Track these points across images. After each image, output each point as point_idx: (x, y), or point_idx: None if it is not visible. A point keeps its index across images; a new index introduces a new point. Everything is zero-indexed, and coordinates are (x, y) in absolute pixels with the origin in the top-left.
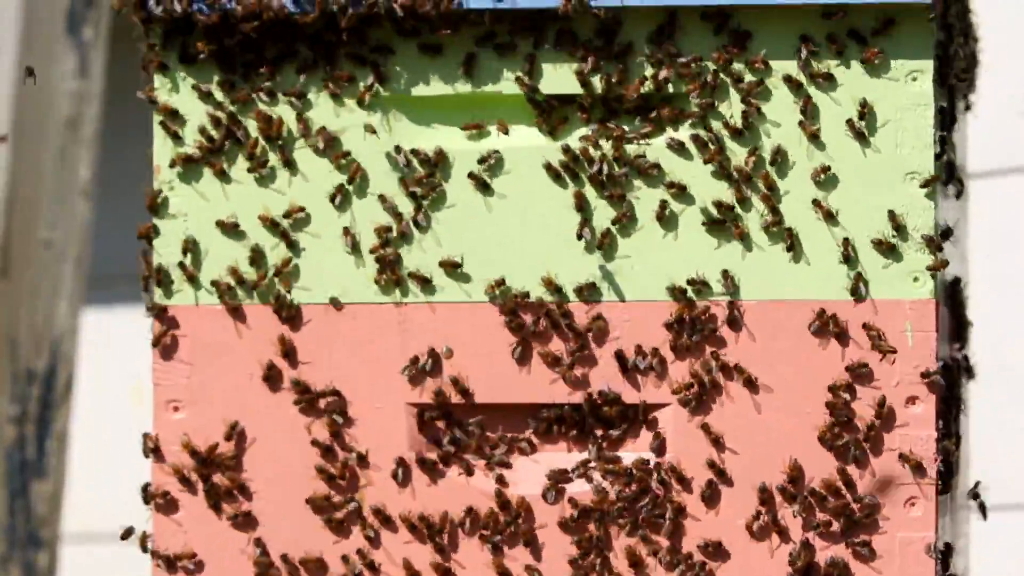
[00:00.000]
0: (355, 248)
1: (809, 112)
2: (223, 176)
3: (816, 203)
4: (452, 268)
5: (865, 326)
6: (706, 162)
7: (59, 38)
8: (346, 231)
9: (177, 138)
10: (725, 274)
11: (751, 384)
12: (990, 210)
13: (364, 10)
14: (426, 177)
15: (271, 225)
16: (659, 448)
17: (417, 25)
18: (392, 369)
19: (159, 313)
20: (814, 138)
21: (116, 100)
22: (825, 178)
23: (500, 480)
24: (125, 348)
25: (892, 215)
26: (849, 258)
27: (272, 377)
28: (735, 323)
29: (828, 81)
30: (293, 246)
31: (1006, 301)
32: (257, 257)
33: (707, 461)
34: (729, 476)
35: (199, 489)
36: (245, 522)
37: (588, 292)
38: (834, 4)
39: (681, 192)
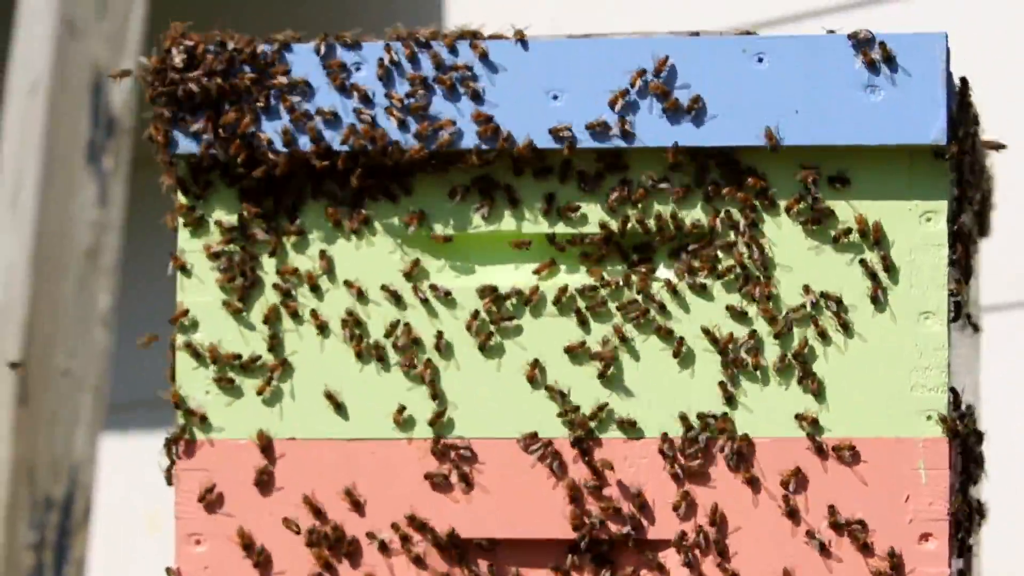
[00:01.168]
0: (376, 383)
1: (823, 252)
2: (244, 315)
3: (829, 340)
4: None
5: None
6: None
7: (79, 168)
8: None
9: (200, 276)
10: (737, 407)
11: (767, 518)
12: (1002, 344)
13: (389, 160)
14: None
15: (292, 363)
16: None
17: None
18: (412, 505)
19: (180, 446)
20: (829, 277)
21: (136, 228)
22: (844, 316)
23: None
24: (140, 475)
25: (905, 354)
26: (862, 395)
27: (292, 511)
28: (749, 459)
29: (839, 219)
30: (314, 383)
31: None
32: (277, 393)
33: None
34: None
35: None
36: None
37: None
38: (845, 145)
39: (714, 343)
